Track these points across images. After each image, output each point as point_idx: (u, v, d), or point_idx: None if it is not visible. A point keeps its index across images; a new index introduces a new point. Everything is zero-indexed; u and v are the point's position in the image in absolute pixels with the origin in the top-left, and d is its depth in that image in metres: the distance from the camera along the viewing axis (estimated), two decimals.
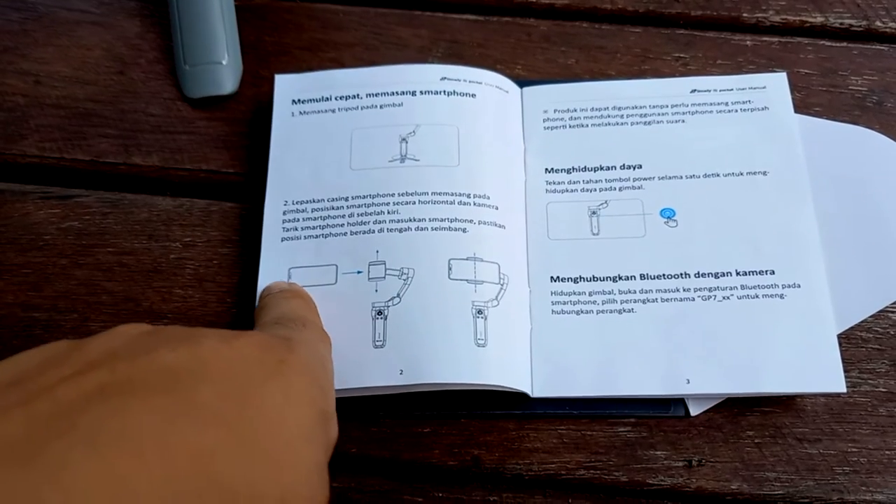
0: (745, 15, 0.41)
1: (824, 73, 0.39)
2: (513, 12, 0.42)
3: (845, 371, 0.32)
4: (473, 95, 0.37)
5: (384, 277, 0.33)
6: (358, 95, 0.37)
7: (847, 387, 0.31)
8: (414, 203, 0.34)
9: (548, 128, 0.37)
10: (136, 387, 0.20)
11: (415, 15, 0.41)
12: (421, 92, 0.37)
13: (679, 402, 0.33)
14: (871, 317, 0.34)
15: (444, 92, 0.37)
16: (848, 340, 0.34)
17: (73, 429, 0.18)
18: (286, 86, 0.38)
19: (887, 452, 0.32)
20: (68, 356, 0.21)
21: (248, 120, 0.39)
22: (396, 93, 0.37)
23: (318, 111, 0.37)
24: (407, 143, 0.36)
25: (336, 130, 0.36)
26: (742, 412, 0.33)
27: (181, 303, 0.35)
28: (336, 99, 0.37)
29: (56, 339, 0.34)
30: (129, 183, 0.38)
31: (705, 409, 0.33)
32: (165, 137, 0.38)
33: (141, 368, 0.21)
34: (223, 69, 0.39)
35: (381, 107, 0.37)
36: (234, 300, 0.35)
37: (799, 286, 0.33)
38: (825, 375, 0.32)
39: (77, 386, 0.20)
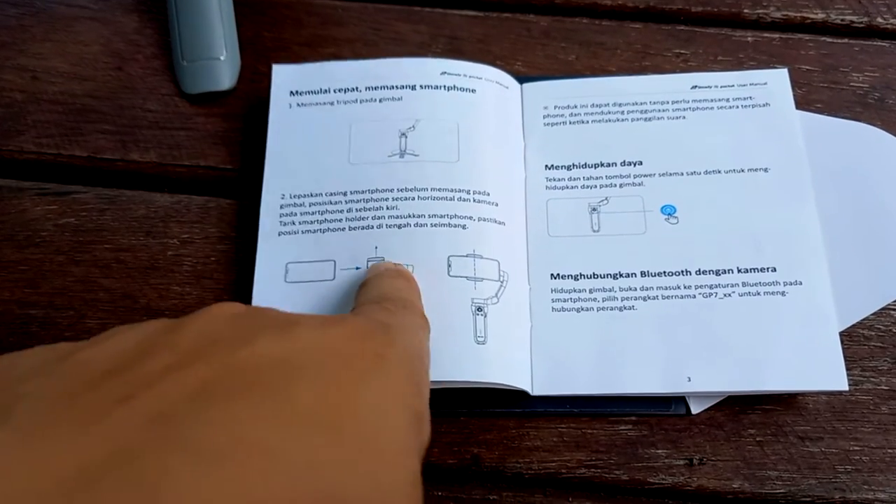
0: (746, 11, 0.41)
1: (825, 70, 0.39)
2: (513, 8, 0.41)
3: (847, 369, 0.31)
4: (473, 91, 0.37)
5: None
6: (357, 88, 0.37)
7: (849, 385, 0.31)
8: (413, 199, 0.34)
9: (548, 124, 0.37)
10: (239, 387, 0.19)
11: (414, 10, 0.41)
12: (421, 86, 0.37)
13: (680, 400, 0.32)
14: (872, 314, 0.34)
15: (444, 87, 0.36)
16: (850, 338, 0.34)
17: (178, 436, 0.17)
18: (284, 77, 0.37)
19: (889, 451, 0.32)
20: (166, 341, 0.20)
21: (246, 116, 0.39)
22: (396, 87, 0.37)
23: (317, 103, 0.37)
24: (406, 137, 0.35)
25: (334, 123, 0.36)
26: (743, 410, 0.33)
27: (178, 300, 0.35)
28: (335, 91, 0.37)
29: (53, 337, 0.34)
30: (126, 179, 0.38)
31: (706, 407, 0.33)
32: (163, 133, 0.38)
33: (241, 363, 0.19)
34: (221, 65, 0.38)
35: (380, 100, 0.36)
36: (232, 297, 0.35)
37: (800, 283, 0.33)
38: (827, 373, 0.31)
39: (179, 383, 0.18)
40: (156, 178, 0.38)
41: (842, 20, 0.41)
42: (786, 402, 0.33)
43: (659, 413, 0.32)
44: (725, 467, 0.32)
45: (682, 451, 0.32)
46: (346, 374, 0.21)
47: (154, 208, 0.37)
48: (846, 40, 0.40)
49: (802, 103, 0.38)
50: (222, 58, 0.39)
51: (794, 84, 0.38)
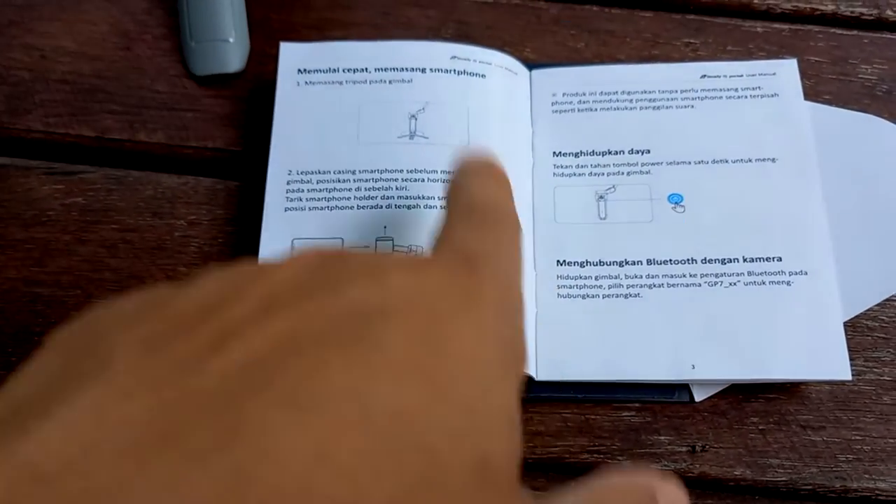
0: (756, 2, 0.41)
1: (834, 62, 0.39)
2: None
3: (850, 359, 0.32)
4: (483, 76, 0.37)
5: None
6: (366, 69, 0.37)
7: (852, 375, 0.31)
8: (423, 181, 0.34)
9: (556, 111, 0.37)
10: (328, 336, 0.18)
11: None
12: (431, 69, 0.36)
13: (684, 387, 0.33)
14: (877, 305, 0.34)
15: (455, 71, 0.37)
16: (853, 328, 0.34)
17: (270, 387, 0.17)
18: (291, 54, 0.37)
19: (891, 440, 0.32)
20: (251, 285, 0.19)
21: (255, 98, 0.39)
22: (406, 69, 0.37)
23: (325, 82, 0.37)
24: (416, 120, 0.35)
25: (343, 103, 0.36)
26: (746, 398, 0.33)
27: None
28: (343, 71, 0.37)
29: (59, 316, 0.34)
30: (134, 160, 0.38)
31: (710, 394, 0.33)
32: (171, 114, 0.38)
33: (330, 312, 0.19)
34: (230, 47, 0.38)
35: (389, 82, 0.36)
36: None
37: (806, 273, 0.33)
38: (831, 363, 0.31)
39: (267, 332, 0.18)
40: (163, 158, 0.38)
41: (851, 12, 0.41)
42: (788, 390, 0.33)
43: (662, 400, 0.33)
44: (727, 455, 0.32)
45: (685, 438, 0.32)
46: (438, 313, 0.20)
47: (161, 189, 0.37)
48: (856, 32, 0.40)
49: (811, 94, 0.38)
50: (231, 40, 0.38)
51: (803, 75, 0.38)
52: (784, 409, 0.33)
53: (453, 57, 0.37)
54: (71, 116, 0.38)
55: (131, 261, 0.35)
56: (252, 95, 0.39)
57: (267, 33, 0.40)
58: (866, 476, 0.32)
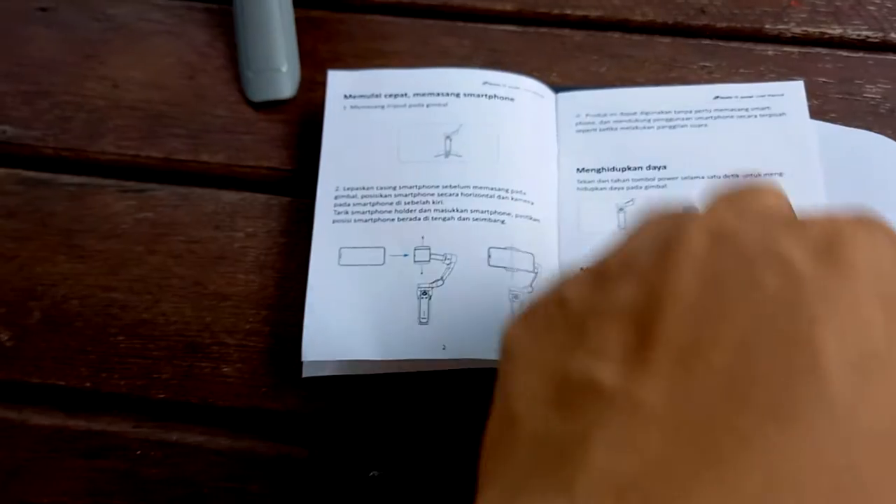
0: (767, 27, 0.44)
1: (841, 82, 0.42)
2: (549, 23, 0.45)
3: None
4: (512, 100, 0.40)
5: (429, 261, 0.36)
6: (406, 94, 0.40)
7: None
8: (457, 195, 0.37)
9: (580, 130, 0.40)
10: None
11: (458, 26, 0.45)
12: (464, 94, 0.40)
13: None
14: None
15: (486, 95, 0.40)
16: None
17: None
18: (339, 81, 0.41)
19: None
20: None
21: (305, 122, 0.42)
22: (441, 94, 0.40)
23: (369, 106, 0.40)
24: (451, 140, 0.39)
25: (385, 125, 0.39)
26: None
27: (244, 287, 0.38)
28: (385, 96, 0.40)
29: (132, 318, 0.38)
30: (197, 178, 0.41)
31: None
32: (231, 137, 0.42)
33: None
34: (283, 76, 0.42)
35: (427, 106, 0.40)
36: (292, 284, 0.38)
37: None
38: None
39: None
40: (223, 177, 0.41)
41: (858, 35, 0.43)
42: None
43: None
44: None
45: None
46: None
47: (222, 204, 0.40)
48: (861, 54, 0.43)
49: (818, 113, 0.40)
50: (284, 69, 0.42)
51: (811, 95, 0.40)
52: None
53: (485, 83, 0.40)
54: (141, 140, 0.42)
55: (195, 269, 0.39)
56: (303, 119, 0.42)
57: (316, 62, 0.44)
58: None
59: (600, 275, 0.22)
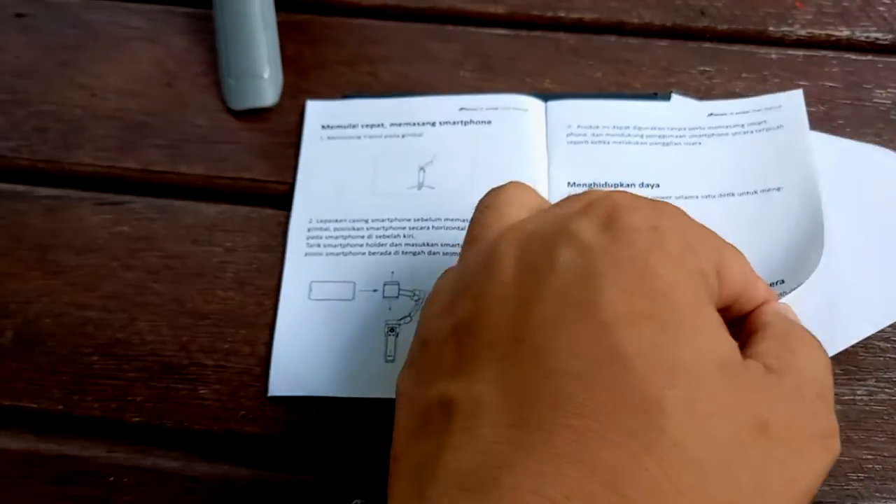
0: (770, 29, 0.42)
1: (849, 87, 0.40)
2: (542, 27, 0.43)
3: (862, 379, 0.32)
4: (489, 122, 0.39)
5: (398, 297, 0.35)
6: (382, 125, 0.40)
7: (864, 395, 0.32)
8: (428, 228, 0.37)
9: (571, 142, 0.39)
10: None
11: (447, 30, 0.43)
12: (440, 122, 0.39)
13: None
14: (889, 326, 0.35)
15: (461, 122, 0.39)
16: (865, 349, 0.34)
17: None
18: (317, 111, 0.41)
19: None
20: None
21: (288, 131, 0.41)
22: (417, 123, 0.39)
23: (345, 137, 0.40)
24: (425, 171, 0.38)
25: (361, 156, 0.39)
26: None
27: (222, 304, 0.37)
28: (362, 127, 0.40)
29: (107, 338, 0.37)
30: (175, 190, 0.40)
31: None
32: (210, 147, 0.41)
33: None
34: (265, 82, 0.41)
35: (402, 136, 0.39)
36: (273, 302, 0.37)
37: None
38: None
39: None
40: (202, 189, 0.40)
41: (866, 37, 0.41)
42: None
43: None
44: None
45: None
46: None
47: (201, 218, 0.39)
48: (870, 57, 0.41)
49: (825, 119, 0.39)
50: (266, 75, 0.41)
51: (817, 101, 0.39)
52: None
53: (461, 108, 0.39)
54: (118, 150, 0.41)
55: (173, 286, 0.38)
56: (285, 128, 0.41)
57: (300, 68, 0.42)
58: (878, 495, 0.32)
59: (449, 304, 0.25)
